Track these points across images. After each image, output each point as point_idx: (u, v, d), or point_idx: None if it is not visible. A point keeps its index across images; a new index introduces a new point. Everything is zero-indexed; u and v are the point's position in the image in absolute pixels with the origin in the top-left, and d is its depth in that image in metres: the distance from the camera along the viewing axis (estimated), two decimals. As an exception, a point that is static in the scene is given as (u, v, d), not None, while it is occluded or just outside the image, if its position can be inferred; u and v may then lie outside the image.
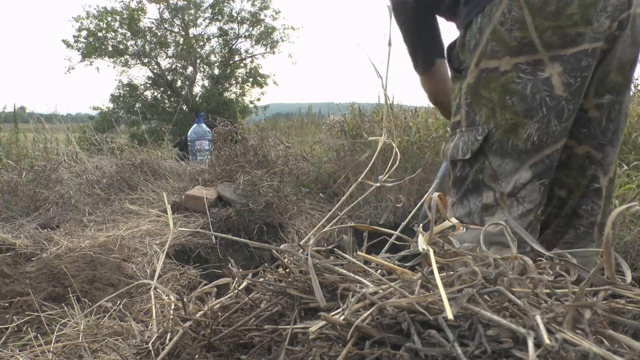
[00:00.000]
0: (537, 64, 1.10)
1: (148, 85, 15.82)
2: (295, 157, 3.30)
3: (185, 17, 15.75)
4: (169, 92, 15.96)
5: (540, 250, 0.67)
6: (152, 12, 16.70)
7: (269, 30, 16.02)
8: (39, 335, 1.28)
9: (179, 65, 16.09)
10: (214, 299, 0.74)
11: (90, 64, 15.16)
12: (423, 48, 1.45)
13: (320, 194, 2.90)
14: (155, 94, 16.04)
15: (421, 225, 0.73)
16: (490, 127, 1.14)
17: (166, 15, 15.70)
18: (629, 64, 1.20)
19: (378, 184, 1.14)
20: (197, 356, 0.65)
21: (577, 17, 1.08)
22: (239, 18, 16.04)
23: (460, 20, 1.21)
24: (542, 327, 0.48)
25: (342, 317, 0.54)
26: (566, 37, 1.09)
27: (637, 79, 4.40)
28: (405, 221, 1.08)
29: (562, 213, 1.29)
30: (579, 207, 1.27)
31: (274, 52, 16.31)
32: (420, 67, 1.50)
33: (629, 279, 0.60)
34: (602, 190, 1.26)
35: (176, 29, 16.01)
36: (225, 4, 15.87)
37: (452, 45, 1.26)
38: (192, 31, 16.05)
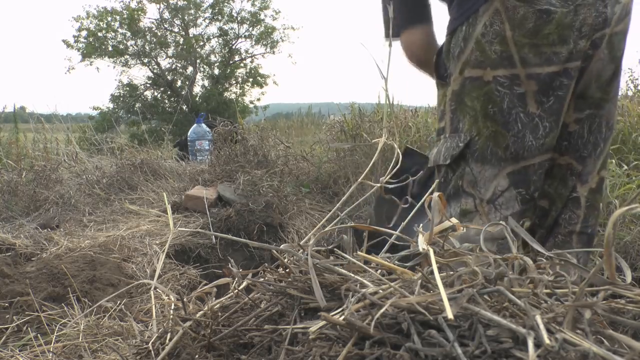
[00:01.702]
0: (515, 78, 1.12)
1: (148, 85, 15.82)
2: (295, 157, 3.30)
3: (185, 17, 15.75)
4: (169, 92, 15.96)
5: (540, 250, 0.67)
6: (152, 12, 16.69)
7: (269, 30, 16.02)
8: (39, 335, 1.28)
9: (179, 65, 16.09)
10: (214, 299, 0.74)
11: (90, 64, 15.17)
12: (408, 3, 1.42)
13: (321, 195, 2.90)
14: (155, 94, 16.04)
15: (421, 225, 0.73)
16: (472, 134, 1.16)
17: (166, 15, 15.70)
18: (608, 80, 1.23)
19: (379, 185, 1.14)
20: (197, 356, 0.65)
21: (554, 37, 1.11)
22: (239, 18, 16.04)
23: (447, 25, 1.22)
24: (542, 327, 0.48)
25: (342, 317, 0.54)
26: (542, 56, 1.11)
27: (637, 79, 4.41)
28: (405, 221, 1.08)
29: (545, 224, 1.31)
30: (559, 216, 1.29)
31: (274, 52, 16.31)
32: (403, 22, 1.43)
33: (629, 279, 0.60)
34: (580, 200, 1.29)
35: (176, 29, 16.01)
36: (225, 4, 15.87)
37: (439, 53, 1.26)
38: (192, 31, 16.06)
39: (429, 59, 1.31)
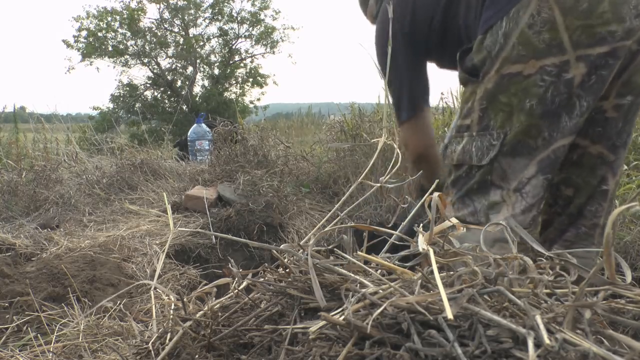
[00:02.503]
0: (564, 65, 1.09)
1: (148, 85, 15.82)
2: (295, 157, 3.30)
3: (185, 17, 15.74)
4: (169, 92, 15.95)
5: (540, 250, 0.67)
6: (152, 12, 16.68)
7: (269, 30, 16.01)
8: (39, 335, 1.28)
9: (179, 65, 16.08)
10: (214, 299, 0.74)
11: (90, 64, 15.15)
12: (411, 90, 1.44)
13: (321, 195, 2.90)
14: (155, 94, 16.02)
15: (421, 225, 0.73)
16: (505, 131, 1.14)
17: (166, 15, 15.69)
18: None
19: (379, 185, 1.14)
20: (197, 356, 0.65)
21: (609, 15, 1.06)
22: (239, 18, 16.03)
23: (479, 26, 1.19)
24: (542, 327, 0.48)
25: (342, 317, 0.54)
26: (595, 36, 1.07)
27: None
28: (405, 221, 1.08)
29: (567, 211, 1.28)
30: (585, 207, 1.27)
31: (274, 52, 16.30)
32: (405, 112, 1.47)
33: (629, 279, 0.60)
34: (609, 193, 1.27)
35: (176, 29, 16.00)
36: (225, 4, 15.86)
37: (467, 50, 1.23)
38: (192, 31, 16.04)
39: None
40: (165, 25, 15.78)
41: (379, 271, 0.67)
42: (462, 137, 1.20)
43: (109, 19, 14.90)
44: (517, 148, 1.13)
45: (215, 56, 16.48)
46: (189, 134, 4.40)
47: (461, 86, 1.35)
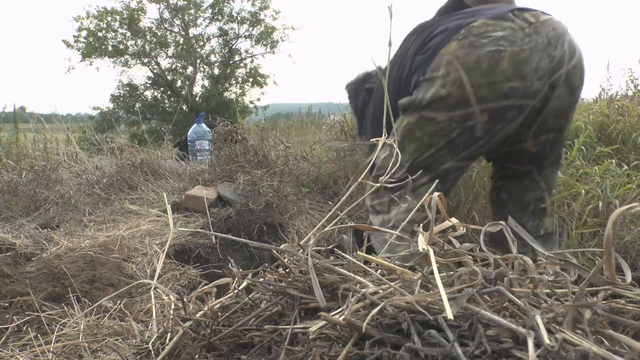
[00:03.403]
0: (469, 115, 1.31)
1: (148, 85, 15.82)
2: (295, 157, 3.29)
3: (185, 17, 15.75)
4: (169, 92, 15.95)
5: (540, 250, 0.67)
6: (152, 12, 16.70)
7: (269, 30, 16.02)
8: (39, 335, 1.28)
9: (179, 65, 16.09)
10: (214, 299, 0.74)
11: (90, 64, 15.17)
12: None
13: (321, 195, 2.90)
14: (155, 94, 16.03)
15: (421, 225, 0.73)
16: (414, 157, 1.39)
17: (166, 15, 15.70)
18: (567, 109, 1.42)
19: (379, 184, 1.14)
20: (197, 356, 0.65)
21: (510, 72, 1.25)
22: (239, 18, 16.03)
23: (410, 86, 1.43)
24: (542, 327, 0.48)
25: (342, 317, 0.54)
26: (498, 91, 1.27)
27: (637, 79, 4.40)
28: (405, 221, 1.08)
29: (504, 211, 1.54)
30: (527, 222, 1.52)
31: (274, 52, 16.31)
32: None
33: (629, 279, 0.60)
34: (547, 210, 1.55)
35: (176, 29, 16.01)
36: (225, 4, 15.86)
37: (395, 96, 1.46)
38: (192, 31, 16.05)
39: None
40: (165, 25, 15.79)
41: (379, 271, 0.67)
42: (386, 149, 1.43)
43: (109, 19, 14.91)
44: (420, 167, 1.36)
45: (215, 56, 16.49)
46: (189, 134, 4.39)
47: None
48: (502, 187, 1.58)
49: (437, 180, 1.17)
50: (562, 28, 1.31)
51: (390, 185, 1.33)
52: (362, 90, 1.78)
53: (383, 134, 1.18)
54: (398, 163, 1.40)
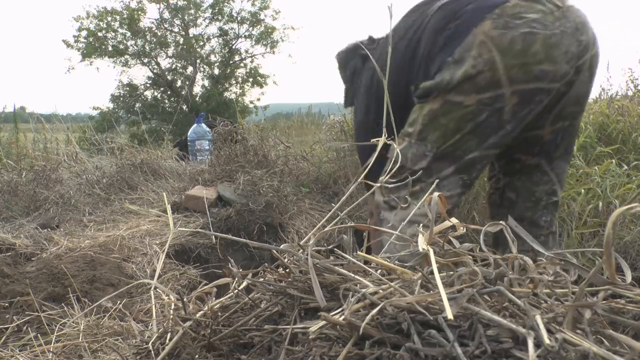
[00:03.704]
0: (499, 97, 1.26)
1: (148, 85, 15.82)
2: (295, 157, 3.29)
3: (185, 17, 15.75)
4: (169, 92, 15.95)
5: (540, 250, 0.67)
6: (152, 12, 16.70)
7: (269, 30, 16.02)
8: (39, 335, 1.28)
9: (179, 65, 16.09)
10: (214, 299, 0.74)
11: (90, 64, 15.17)
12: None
13: (321, 195, 2.90)
14: (155, 94, 16.03)
15: (421, 225, 0.73)
16: (438, 145, 1.32)
17: (166, 15, 15.70)
18: (585, 95, 1.41)
19: (379, 184, 1.14)
20: (197, 356, 0.65)
21: (542, 55, 1.23)
22: (239, 18, 16.03)
23: (433, 67, 1.35)
24: (542, 327, 0.48)
25: (342, 317, 0.54)
26: (530, 73, 1.25)
27: (637, 79, 4.40)
28: (405, 221, 1.08)
29: (514, 215, 1.44)
30: (540, 218, 1.47)
31: (274, 52, 16.31)
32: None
33: (629, 279, 0.60)
34: (559, 203, 1.49)
35: (176, 29, 16.01)
36: (225, 4, 15.86)
37: (419, 81, 1.39)
38: (192, 31, 16.05)
39: None
40: (165, 25, 15.79)
41: (379, 271, 0.67)
42: (403, 140, 1.37)
43: (109, 19, 14.91)
44: (445, 156, 1.32)
45: (215, 56, 16.49)
46: (189, 134, 4.39)
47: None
48: (508, 186, 1.52)
49: (437, 180, 1.17)
50: (585, 15, 1.31)
51: (403, 181, 1.29)
52: (353, 57, 1.69)
53: (383, 136, 1.17)
54: (418, 152, 1.34)
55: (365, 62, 1.63)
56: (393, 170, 1.14)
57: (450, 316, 0.50)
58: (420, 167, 1.32)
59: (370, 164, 1.30)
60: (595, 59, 1.36)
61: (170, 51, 15.76)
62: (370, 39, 1.70)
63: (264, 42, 16.18)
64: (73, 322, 1.33)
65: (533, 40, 1.22)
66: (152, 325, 0.88)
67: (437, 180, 1.18)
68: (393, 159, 1.21)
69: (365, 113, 1.57)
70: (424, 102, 1.35)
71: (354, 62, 1.69)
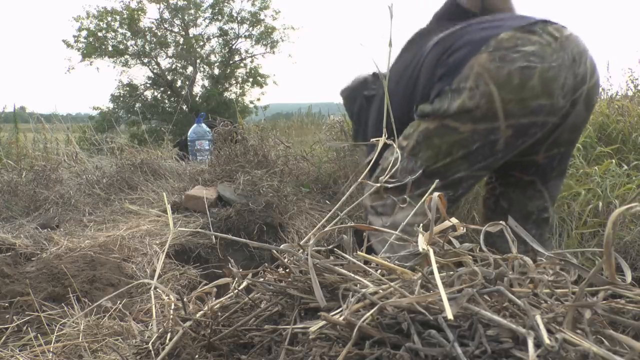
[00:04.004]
0: (494, 130, 1.28)
1: (148, 85, 15.83)
2: (295, 157, 3.29)
3: (185, 17, 15.75)
4: (169, 92, 15.96)
5: (540, 250, 0.67)
6: (152, 12, 16.72)
7: (269, 30, 16.02)
8: (39, 335, 1.28)
9: (179, 65, 16.10)
10: (214, 299, 0.74)
11: (90, 64, 15.18)
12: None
13: (321, 195, 2.90)
14: (155, 94, 16.04)
15: (421, 225, 0.73)
16: (428, 164, 1.35)
17: (166, 15, 15.70)
18: (582, 124, 1.43)
19: (379, 184, 1.14)
20: (197, 356, 0.65)
21: (539, 89, 1.23)
22: (239, 18, 16.04)
23: (432, 92, 1.37)
24: (542, 327, 0.48)
25: (342, 317, 0.54)
26: (526, 108, 1.25)
27: (637, 79, 4.40)
28: (405, 221, 1.08)
29: (503, 219, 1.44)
30: (530, 231, 1.48)
31: (274, 52, 16.32)
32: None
33: (629, 279, 0.60)
34: (549, 220, 1.54)
35: (176, 29, 16.02)
36: (225, 4, 15.87)
37: (418, 103, 1.41)
38: (192, 31, 16.06)
39: None
40: (165, 25, 15.79)
41: (379, 271, 0.67)
42: (393, 151, 1.35)
43: (109, 19, 14.92)
44: (434, 175, 1.33)
45: (215, 56, 16.50)
46: (189, 134, 4.39)
47: None
48: (502, 195, 1.56)
49: (437, 180, 1.17)
50: (584, 45, 1.31)
51: (390, 186, 1.32)
52: (359, 96, 1.73)
53: (383, 135, 1.17)
54: (407, 167, 1.38)
55: (370, 102, 1.68)
56: (387, 175, 1.15)
57: (450, 316, 0.50)
58: (406, 181, 1.34)
59: (371, 164, 1.31)
60: (593, 90, 1.36)
61: (170, 51, 15.77)
62: (375, 75, 1.73)
63: (264, 42, 16.19)
64: (73, 322, 1.33)
65: (530, 75, 1.22)
66: (152, 325, 0.88)
67: (437, 181, 1.19)
68: (390, 164, 1.23)
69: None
70: (421, 120, 1.38)
71: (360, 100, 1.73)
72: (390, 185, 1.30)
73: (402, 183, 1.35)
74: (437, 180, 1.16)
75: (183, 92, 15.48)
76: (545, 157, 1.44)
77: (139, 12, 15.07)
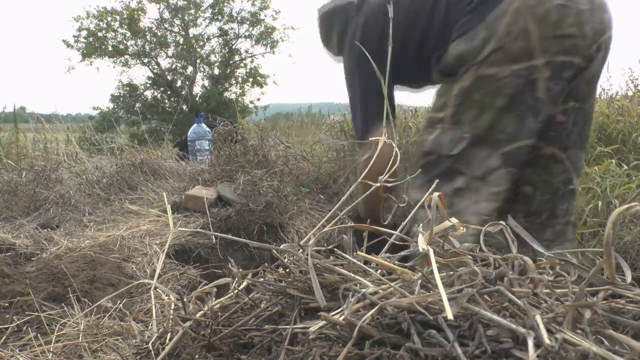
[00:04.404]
0: (532, 69, 1.22)
1: (148, 85, 15.82)
2: (295, 157, 3.29)
3: (185, 17, 15.75)
4: (169, 92, 15.96)
5: (540, 250, 0.67)
6: (152, 12, 16.71)
7: (269, 30, 16.02)
8: (39, 335, 1.28)
9: (179, 65, 16.09)
10: (214, 299, 0.74)
11: (90, 64, 15.17)
12: (366, 109, 1.52)
13: (321, 195, 2.90)
14: (155, 94, 16.04)
15: (421, 225, 0.73)
16: (476, 125, 1.24)
17: (166, 15, 15.70)
18: (596, 77, 1.38)
19: (378, 184, 1.14)
20: (197, 356, 0.65)
21: (574, 30, 1.21)
22: (239, 18, 16.03)
23: (455, 29, 1.28)
24: (542, 327, 0.48)
25: (342, 317, 0.54)
26: (562, 46, 1.22)
27: (637, 79, 4.40)
28: (405, 221, 1.08)
29: (531, 209, 1.41)
30: (556, 207, 1.41)
31: (274, 52, 16.31)
32: (359, 132, 1.52)
33: (629, 279, 0.60)
34: (575, 191, 1.44)
35: (176, 29, 16.01)
36: (225, 4, 15.86)
37: (443, 53, 1.32)
38: (192, 31, 16.06)
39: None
40: (165, 25, 15.79)
41: (379, 271, 0.67)
42: (434, 129, 1.29)
43: (109, 19, 14.91)
44: (483, 140, 1.24)
45: (215, 56, 16.49)
46: (189, 134, 4.40)
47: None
48: (521, 180, 1.42)
49: (437, 180, 1.16)
50: None
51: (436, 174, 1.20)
52: (344, 13, 1.60)
53: (382, 133, 1.16)
54: (454, 137, 1.24)
55: (360, 7, 1.56)
56: (392, 170, 1.12)
57: (450, 316, 0.50)
58: (458, 150, 1.24)
59: (370, 163, 1.27)
60: (610, 41, 1.33)
61: (170, 51, 15.77)
62: None
63: (264, 42, 16.18)
64: (73, 322, 1.33)
65: (567, 14, 1.20)
66: (152, 325, 0.88)
67: (436, 181, 1.17)
68: (392, 159, 1.17)
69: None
70: (451, 82, 1.28)
71: (344, 16, 1.61)
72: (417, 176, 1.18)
73: (452, 155, 1.24)
74: (437, 180, 1.14)
75: (183, 92, 15.48)
76: (562, 112, 1.35)
77: (139, 12, 15.07)
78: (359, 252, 0.69)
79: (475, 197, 1.25)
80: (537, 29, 1.19)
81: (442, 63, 1.31)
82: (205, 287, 0.77)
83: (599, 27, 1.25)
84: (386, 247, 0.83)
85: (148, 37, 15.35)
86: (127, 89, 15.56)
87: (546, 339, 0.46)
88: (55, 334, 1.27)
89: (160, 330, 0.74)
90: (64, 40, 14.89)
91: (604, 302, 0.56)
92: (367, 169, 1.13)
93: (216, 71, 16.44)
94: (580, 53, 1.23)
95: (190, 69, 16.04)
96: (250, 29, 16.17)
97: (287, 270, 0.69)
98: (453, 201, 1.25)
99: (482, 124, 1.24)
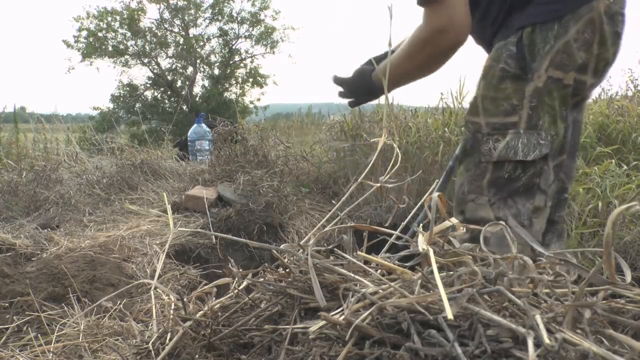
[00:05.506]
0: (582, 83, 1.18)
1: (148, 85, 15.83)
2: (295, 157, 3.30)
3: (185, 17, 15.76)
4: (169, 92, 15.96)
5: (540, 250, 0.67)
6: (152, 12, 16.74)
7: (269, 30, 16.03)
8: (39, 335, 1.28)
9: (179, 65, 16.10)
10: (214, 299, 0.74)
11: (90, 64, 15.19)
12: None
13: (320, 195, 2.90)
14: (155, 94, 16.05)
15: (421, 225, 0.73)
16: (552, 133, 1.16)
17: (166, 15, 15.71)
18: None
19: (379, 184, 1.14)
20: (197, 356, 0.65)
21: (609, 54, 1.19)
22: (239, 18, 16.04)
23: (530, 13, 1.18)
24: (542, 327, 0.48)
25: (342, 317, 0.54)
26: (599, 69, 1.19)
27: (637, 79, 4.40)
28: (405, 221, 1.08)
29: None
30: (554, 214, 1.39)
31: (274, 52, 16.32)
32: None
33: (628, 279, 0.60)
34: (567, 200, 1.44)
35: (176, 29, 16.02)
36: (225, 4, 15.87)
37: (519, 39, 1.20)
38: (192, 31, 16.07)
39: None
40: (165, 26, 15.80)
41: (379, 271, 0.67)
42: (505, 135, 1.17)
43: (109, 19, 14.92)
44: (556, 152, 1.19)
45: (215, 56, 16.50)
46: (189, 134, 4.40)
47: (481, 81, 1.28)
48: None
49: (436, 181, 1.16)
50: None
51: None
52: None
53: (383, 135, 1.16)
54: (530, 143, 1.15)
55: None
56: (393, 170, 1.12)
57: (450, 316, 0.50)
58: (535, 156, 1.15)
59: (371, 163, 1.26)
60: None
61: (170, 51, 15.78)
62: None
63: (264, 42, 16.19)
64: (73, 322, 1.33)
65: (614, 42, 1.18)
66: (152, 325, 0.89)
67: (436, 181, 1.17)
68: (393, 159, 1.15)
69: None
70: (522, 80, 1.17)
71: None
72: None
73: (528, 162, 1.15)
74: (437, 181, 1.14)
75: (183, 92, 15.49)
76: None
77: (139, 12, 15.08)
78: (359, 252, 0.69)
79: (546, 215, 1.21)
80: (598, 47, 1.16)
81: (503, 52, 1.21)
82: (205, 287, 0.77)
83: (616, 56, 1.24)
84: (386, 247, 0.83)
85: (148, 37, 15.36)
86: (127, 89, 15.57)
87: (546, 339, 0.46)
88: (55, 334, 1.27)
89: (160, 330, 0.74)
90: (64, 41, 14.91)
91: (603, 302, 0.56)
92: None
93: (216, 71, 16.45)
94: (600, 77, 1.23)
95: (190, 69, 16.05)
96: (250, 29, 16.18)
97: (287, 270, 0.69)
98: (532, 220, 1.17)
99: (558, 134, 1.18)
